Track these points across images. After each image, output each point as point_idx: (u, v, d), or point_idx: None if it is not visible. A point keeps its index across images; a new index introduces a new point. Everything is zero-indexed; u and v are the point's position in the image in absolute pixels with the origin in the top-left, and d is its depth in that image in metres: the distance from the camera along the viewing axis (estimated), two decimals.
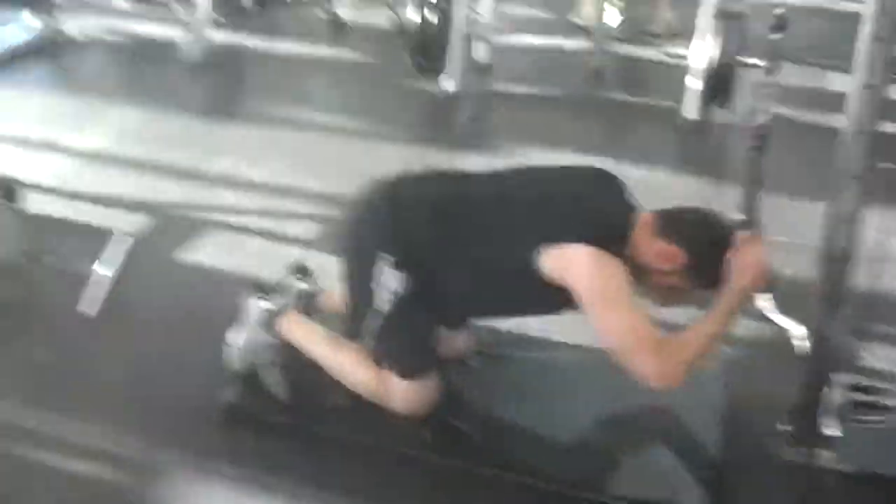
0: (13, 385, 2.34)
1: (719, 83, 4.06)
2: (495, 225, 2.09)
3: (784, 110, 2.83)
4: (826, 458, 2.11)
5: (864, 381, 2.18)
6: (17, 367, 2.43)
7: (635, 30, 5.28)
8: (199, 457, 2.12)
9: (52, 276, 2.78)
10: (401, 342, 2.17)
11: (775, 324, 2.60)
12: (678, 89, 4.16)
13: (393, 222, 2.17)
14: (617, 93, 4.61)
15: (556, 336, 2.57)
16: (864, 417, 2.06)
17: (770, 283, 2.03)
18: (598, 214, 2.06)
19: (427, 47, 4.49)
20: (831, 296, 1.99)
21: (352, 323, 2.23)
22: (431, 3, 4.42)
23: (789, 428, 2.14)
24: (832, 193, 1.96)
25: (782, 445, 2.15)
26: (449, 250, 2.10)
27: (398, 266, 2.08)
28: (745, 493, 2.08)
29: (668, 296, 2.11)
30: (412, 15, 4.46)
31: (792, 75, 4.23)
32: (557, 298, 2.00)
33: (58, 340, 2.55)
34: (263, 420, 2.23)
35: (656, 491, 2.05)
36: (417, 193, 2.20)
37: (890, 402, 2.11)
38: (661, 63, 4.63)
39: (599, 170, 2.22)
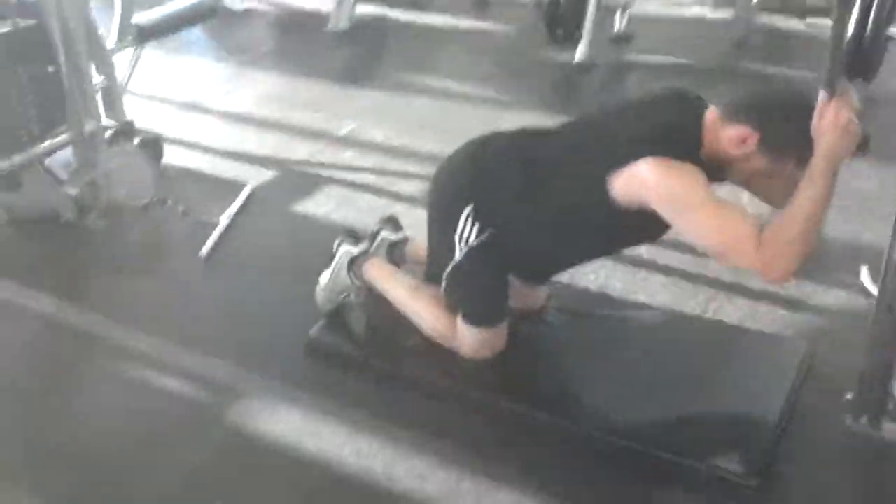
0: (131, 312, 2.61)
1: (861, 56, 3.87)
2: (571, 167, 2.10)
3: None
4: (889, 429, 2.02)
5: None
6: (135, 298, 2.70)
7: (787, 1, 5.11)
8: (281, 384, 2.28)
9: (178, 219, 3.04)
10: (472, 290, 2.24)
11: (872, 295, 2.49)
12: (821, 61, 3.98)
13: (473, 174, 2.24)
14: (757, 64, 4.46)
15: (638, 296, 2.60)
16: None
17: (862, 143, 1.84)
18: (664, 126, 2.00)
19: (564, 18, 4.54)
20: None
21: (431, 270, 2.33)
22: None
23: (853, 397, 2.06)
24: None
25: (847, 414, 2.08)
26: (527, 199, 2.13)
27: (476, 216, 2.15)
28: (802, 461, 2.02)
29: (767, 192, 2.03)
30: None
31: None
32: (643, 222, 1.97)
33: (174, 277, 2.82)
34: (341, 355, 2.38)
35: (714, 453, 2.02)
36: (499, 147, 2.26)
37: None
38: (806, 34, 4.44)
39: (674, 89, 2.15)
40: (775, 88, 1.99)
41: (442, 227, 2.24)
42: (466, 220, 2.16)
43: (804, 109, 1.84)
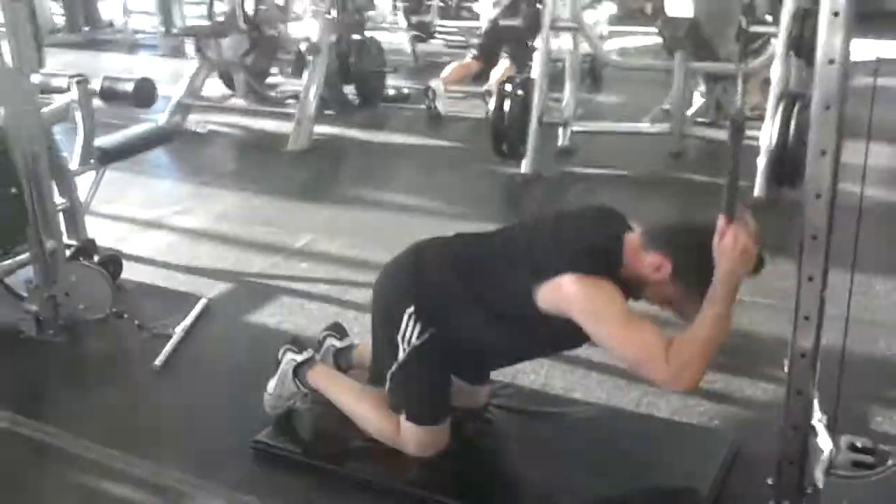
0: (86, 423, 2.67)
1: (787, 164, 4.12)
2: (499, 270, 2.26)
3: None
4: None
5: (866, 443, 2.18)
6: (91, 409, 2.77)
7: (721, 113, 5.44)
8: (228, 488, 2.35)
9: (134, 332, 3.14)
10: (415, 389, 2.35)
11: None
12: (749, 168, 4.25)
13: (413, 276, 2.38)
14: (691, 173, 4.72)
15: (576, 393, 2.72)
16: (847, 473, 2.07)
17: (757, 264, 2.06)
18: (587, 244, 2.17)
19: (507, 134, 4.79)
20: (804, 351, 2.06)
21: (375, 370, 2.44)
22: (513, 94, 4.74)
23: (773, 482, 2.18)
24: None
25: (770, 500, 2.18)
26: (462, 299, 2.27)
27: (418, 316, 2.28)
28: None
29: (679, 310, 2.18)
30: (493, 105, 4.78)
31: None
32: (566, 330, 2.11)
33: (129, 387, 2.91)
34: (290, 458, 2.45)
35: None
36: (435, 251, 2.42)
37: (885, 460, 2.11)
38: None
39: (599, 207, 2.35)
40: (690, 222, 2.20)
41: (385, 329, 2.36)
42: (408, 320, 2.28)
43: (707, 239, 2.01)
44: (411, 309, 2.28)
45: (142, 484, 2.40)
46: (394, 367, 2.33)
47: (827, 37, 1.88)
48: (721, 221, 2.01)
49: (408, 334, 2.29)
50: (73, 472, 2.49)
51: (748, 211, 2.09)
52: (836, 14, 1.87)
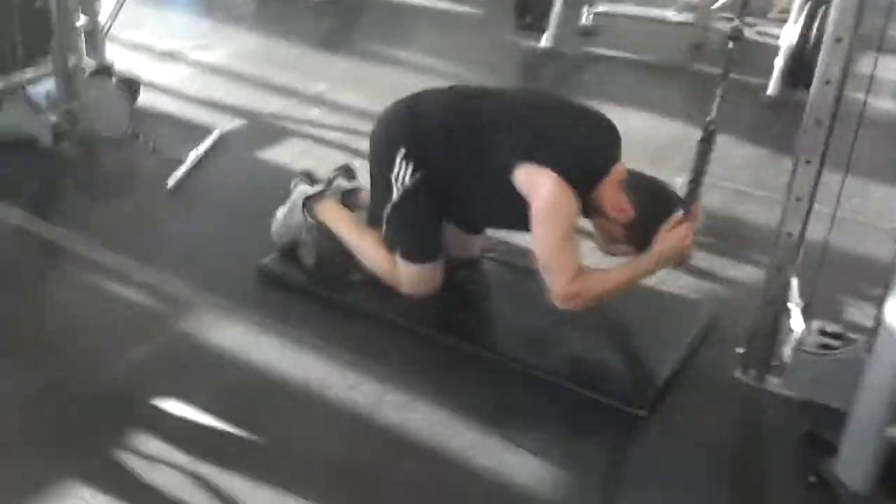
0: (96, 230, 2.79)
1: (805, 65, 4.12)
2: (490, 131, 2.35)
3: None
4: (772, 382, 2.28)
5: (835, 329, 2.30)
6: (102, 218, 2.90)
7: (746, 9, 5.37)
8: (230, 302, 2.49)
9: (148, 154, 3.23)
10: (408, 227, 2.46)
11: None
12: (767, 66, 4.27)
13: (408, 120, 2.47)
14: (710, 66, 4.71)
15: None
16: (812, 350, 2.20)
17: (684, 262, 2.33)
18: (583, 153, 2.30)
19: (532, 6, 4.75)
20: (790, 230, 2.15)
21: (372, 212, 2.55)
22: None
23: (743, 352, 2.31)
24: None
25: (738, 368, 2.32)
26: (451, 148, 2.38)
27: (409, 157, 2.38)
28: (690, 402, 2.26)
29: (608, 242, 2.38)
30: None
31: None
32: (519, 213, 2.26)
33: (140, 203, 3.03)
34: (291, 283, 2.59)
35: (612, 387, 2.27)
36: (434, 99, 2.50)
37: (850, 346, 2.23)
38: (757, 41, 4.71)
39: (605, 119, 2.43)
40: (665, 189, 2.34)
41: (380, 170, 2.47)
42: (400, 161, 2.39)
43: (666, 217, 2.23)
44: (403, 151, 2.38)
45: (148, 289, 2.55)
46: (388, 207, 2.44)
47: None
48: (678, 211, 2.22)
49: (401, 175, 2.39)
50: (81, 271, 2.63)
51: (701, 208, 2.31)
52: None
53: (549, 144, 2.28)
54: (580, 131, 2.38)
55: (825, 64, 2.04)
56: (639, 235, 2.27)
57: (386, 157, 2.42)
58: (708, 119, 2.22)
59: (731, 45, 2.22)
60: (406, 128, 2.44)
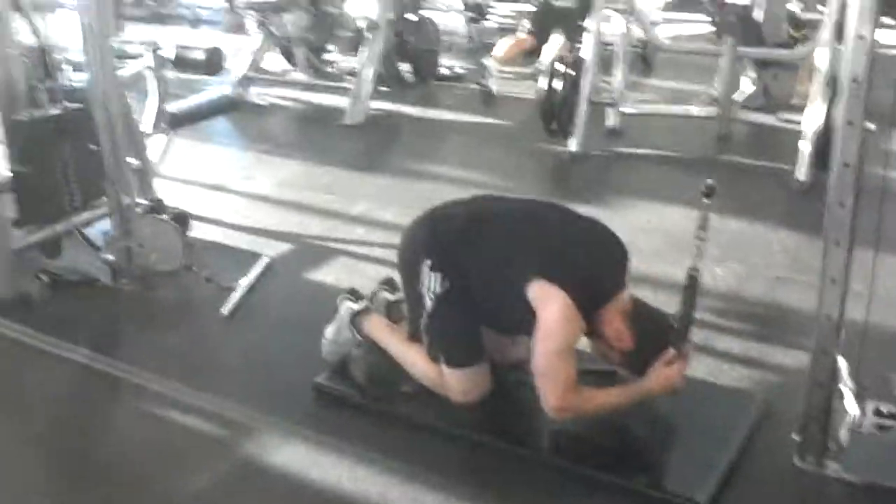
0: (156, 361, 2.89)
1: (829, 147, 4.19)
2: (511, 245, 2.46)
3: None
4: (832, 468, 2.27)
5: (891, 409, 2.30)
6: (161, 349, 3.00)
7: (770, 100, 5.52)
8: (288, 422, 2.56)
9: (202, 284, 3.36)
10: (445, 336, 2.53)
11: None
12: (792, 152, 4.37)
13: (429, 232, 2.58)
14: (737, 155, 4.82)
15: None
16: (869, 431, 2.20)
17: (674, 393, 2.41)
18: (593, 277, 2.40)
19: (557, 113, 4.92)
20: (829, 312, 2.19)
21: (412, 327, 2.63)
22: (563, 74, 4.87)
23: (799, 438, 2.31)
24: None
25: (795, 455, 2.32)
26: (474, 257, 2.48)
27: (436, 267, 2.47)
28: (752, 493, 2.26)
29: (604, 359, 2.49)
30: (544, 84, 4.91)
31: None
32: (526, 323, 2.35)
33: (197, 332, 3.15)
34: (344, 399, 2.66)
35: (670, 481, 2.29)
36: (456, 210, 2.62)
37: None
38: (780, 129, 4.81)
39: (620, 244, 2.52)
40: (666, 323, 2.42)
41: (411, 284, 2.57)
42: (428, 272, 2.48)
43: (662, 350, 2.35)
44: (429, 262, 2.48)
45: (209, 416, 2.63)
46: (425, 319, 2.52)
47: (858, 12, 2.01)
48: (670, 351, 2.34)
49: (431, 285, 2.48)
50: (144, 402, 2.72)
51: (691, 346, 2.44)
52: None
53: (562, 264, 2.39)
54: (592, 254, 2.48)
55: (840, 147, 2.11)
56: (634, 363, 2.40)
57: (413, 270, 2.52)
58: (690, 266, 2.32)
59: (705, 200, 2.30)
60: (428, 239, 2.55)
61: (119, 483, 2.37)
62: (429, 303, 2.49)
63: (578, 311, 2.31)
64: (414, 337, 2.62)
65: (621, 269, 2.48)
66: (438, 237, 2.54)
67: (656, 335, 2.39)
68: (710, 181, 2.29)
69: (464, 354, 2.52)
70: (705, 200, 2.32)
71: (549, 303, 2.31)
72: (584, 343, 2.46)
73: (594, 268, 2.44)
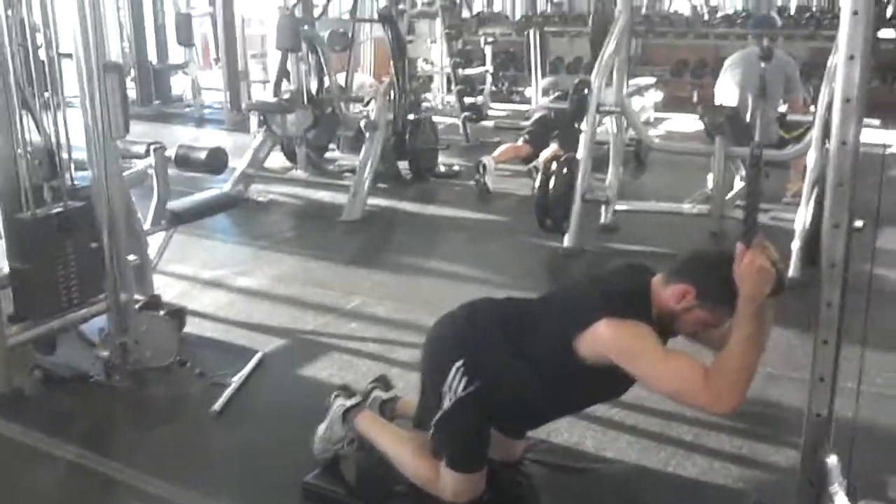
0: (148, 459, 2.88)
1: (818, 245, 4.25)
2: (542, 326, 2.44)
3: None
4: None
5: None
6: (153, 447, 3.00)
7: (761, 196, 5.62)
8: None
9: (195, 380, 3.37)
10: (456, 437, 2.50)
11: None
12: (783, 248, 4.42)
13: (464, 330, 2.55)
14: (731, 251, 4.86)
15: (607, 452, 2.86)
16: None
17: (777, 285, 2.18)
18: (618, 293, 2.35)
19: (552, 210, 5.00)
20: (818, 410, 2.20)
21: (421, 417, 2.61)
22: (558, 172, 4.97)
23: None
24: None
25: None
26: (508, 357, 2.43)
27: (466, 370, 2.43)
28: None
29: (711, 338, 2.35)
30: (539, 181, 5.01)
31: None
32: (610, 378, 2.28)
33: (189, 429, 3.14)
34: (335, 498, 2.63)
35: None
36: (485, 308, 2.61)
37: None
38: (771, 225, 4.88)
39: (627, 262, 2.56)
40: (706, 251, 2.34)
41: (433, 378, 2.53)
42: (456, 372, 2.44)
43: (726, 262, 2.19)
44: (460, 362, 2.44)
45: None
46: (438, 415, 2.48)
47: (840, 120, 2.08)
48: (739, 247, 2.18)
49: (454, 385, 2.44)
50: (134, 501, 2.69)
51: (765, 239, 2.23)
52: (848, 100, 2.07)
53: (590, 306, 2.33)
54: (607, 281, 2.52)
55: (827, 248, 2.16)
56: (719, 298, 2.22)
57: (441, 366, 2.48)
58: (752, 145, 2.21)
59: (749, 163, 2.30)
60: (464, 339, 2.52)
61: None
62: (447, 402, 2.45)
63: (630, 320, 2.23)
64: (418, 427, 2.59)
65: (642, 271, 2.46)
66: (474, 339, 2.50)
67: (704, 260, 2.33)
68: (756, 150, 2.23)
69: (470, 460, 2.49)
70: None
71: (602, 339, 2.23)
72: None
73: (616, 285, 2.41)
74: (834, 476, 2.27)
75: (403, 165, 6.56)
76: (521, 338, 2.45)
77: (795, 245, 4.40)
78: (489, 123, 8.50)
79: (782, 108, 5.72)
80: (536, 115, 7.25)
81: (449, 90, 8.96)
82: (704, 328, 2.35)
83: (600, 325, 2.25)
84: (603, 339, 2.25)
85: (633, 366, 2.24)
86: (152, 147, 3.94)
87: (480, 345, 2.49)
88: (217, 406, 3.17)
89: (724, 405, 2.18)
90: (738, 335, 2.16)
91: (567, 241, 4.90)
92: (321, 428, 2.76)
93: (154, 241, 4.02)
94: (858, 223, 2.33)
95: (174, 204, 4.09)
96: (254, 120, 7.61)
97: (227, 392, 3.26)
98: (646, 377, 2.25)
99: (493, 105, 9.08)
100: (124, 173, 3.60)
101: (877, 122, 3.31)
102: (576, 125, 6.12)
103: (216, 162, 4.10)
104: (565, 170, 5.00)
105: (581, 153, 5.08)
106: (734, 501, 2.58)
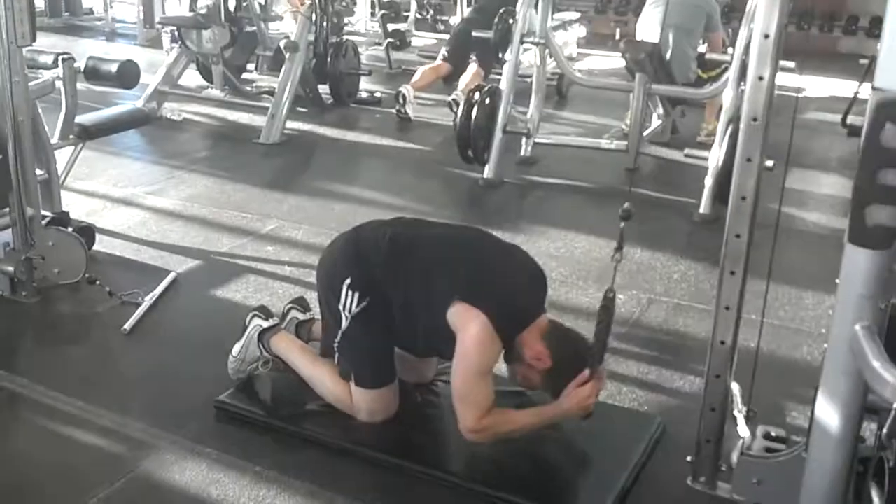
0: (57, 377, 2.82)
1: (730, 182, 4.37)
2: (430, 266, 2.48)
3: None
4: (723, 489, 2.35)
5: (779, 432, 2.40)
6: (62, 364, 2.94)
7: (677, 135, 5.73)
8: (190, 441, 2.51)
9: (105, 298, 3.30)
10: (359, 354, 2.54)
11: None
12: (695, 186, 4.53)
13: (352, 250, 2.58)
14: (644, 189, 4.96)
15: None
16: (756, 454, 2.29)
17: (586, 415, 2.45)
18: (514, 302, 2.43)
19: (473, 141, 4.99)
20: (723, 338, 2.28)
21: (325, 342, 2.63)
22: (480, 103, 4.95)
23: (693, 460, 2.39)
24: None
25: (689, 475, 2.40)
26: (395, 278, 2.49)
27: (354, 286, 2.48)
28: None
29: (523, 382, 2.51)
30: (461, 112, 4.99)
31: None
32: (446, 342, 2.38)
33: (98, 347, 3.09)
34: (248, 417, 2.63)
35: (566, 500, 2.34)
36: (375, 229, 2.63)
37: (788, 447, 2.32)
38: (685, 164, 4.99)
39: (537, 267, 2.59)
40: (583, 345, 2.46)
41: (328, 300, 2.57)
42: (346, 290, 2.49)
43: (578, 371, 2.38)
44: (348, 280, 2.49)
45: (108, 433, 2.57)
46: (339, 336, 2.53)
47: (758, 55, 2.12)
48: (585, 372, 2.38)
49: (348, 303, 2.49)
50: (42, 419, 2.64)
51: (604, 371, 2.52)
52: (766, 36, 2.11)
53: (484, 288, 2.41)
54: (514, 279, 2.52)
55: (738, 182, 2.22)
56: (552, 384, 2.43)
57: (333, 287, 2.52)
58: (607, 289, 2.36)
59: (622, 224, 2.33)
60: (350, 258, 2.56)
61: (12, 500, 2.29)
62: (344, 322, 2.49)
63: (498, 335, 2.34)
64: (325, 353, 2.62)
65: (541, 294, 2.54)
66: (361, 256, 2.54)
67: (574, 355, 2.42)
68: (627, 205, 2.31)
69: (375, 375, 2.54)
70: (622, 224, 2.32)
71: (468, 325, 2.33)
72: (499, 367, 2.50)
73: (516, 293, 2.47)
74: (735, 402, 2.38)
75: (324, 89, 6.43)
76: (406, 265, 2.50)
77: (708, 182, 4.51)
78: (412, 51, 8.38)
79: (702, 49, 5.79)
80: (456, 30, 7.12)
81: (373, 15, 8.78)
82: (524, 381, 2.51)
83: (478, 319, 2.33)
84: (469, 325, 2.34)
85: (461, 361, 2.37)
86: (60, 58, 3.77)
87: (366, 262, 2.53)
88: (128, 325, 3.11)
89: (476, 437, 2.40)
90: (531, 418, 2.45)
91: (487, 172, 4.92)
92: (236, 348, 2.74)
93: (62, 157, 3.89)
94: (769, 163, 2.38)
95: (83, 118, 3.94)
96: (167, 37, 7.36)
97: (139, 312, 3.20)
98: (458, 373, 2.39)
99: (417, 33, 8.94)
100: (31, 84, 3.44)
101: (791, 65, 3.36)
102: (498, 52, 6.11)
103: (128, 75, 3.95)
104: (487, 100, 4.98)
105: (504, 84, 5.06)
106: (640, 423, 2.67)
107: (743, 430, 2.34)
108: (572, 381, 2.38)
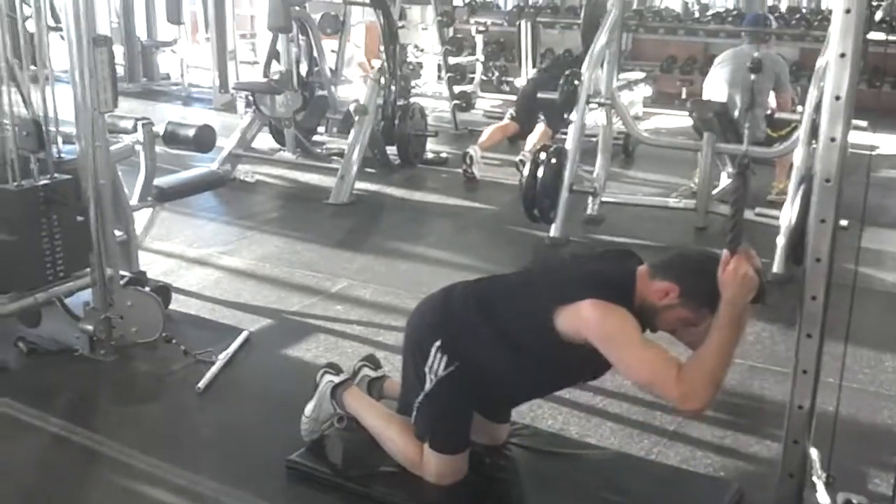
0: (131, 434, 2.88)
1: (803, 242, 4.29)
2: (521, 301, 2.46)
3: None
4: None
5: (860, 499, 2.32)
6: (137, 422, 3.00)
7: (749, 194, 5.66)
8: (262, 499, 2.54)
9: (180, 357, 3.36)
10: (437, 419, 2.53)
11: None
12: (766, 245, 4.46)
13: (441, 312, 2.58)
14: (713, 246, 4.89)
15: (590, 439, 2.89)
16: None
17: (759, 293, 2.23)
18: (604, 276, 2.39)
19: (539, 200, 5.01)
20: (801, 402, 2.23)
21: (403, 400, 2.63)
22: (546, 162, 4.99)
23: None
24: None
25: None
26: (486, 334, 2.45)
27: (444, 349, 2.46)
28: None
29: (689, 336, 2.39)
30: (527, 171, 5.03)
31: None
32: (586, 359, 2.30)
33: (173, 405, 3.14)
34: (320, 478, 2.63)
35: None
36: (464, 290, 2.62)
37: None
38: (756, 223, 4.91)
39: (618, 249, 2.57)
40: (693, 250, 2.36)
41: (414, 360, 2.56)
42: (436, 353, 2.47)
43: (711, 266, 2.23)
44: (438, 342, 2.47)
45: (180, 491, 2.60)
46: (420, 397, 2.51)
47: (829, 116, 2.10)
48: (725, 253, 2.22)
49: (435, 366, 2.47)
50: (117, 476, 2.69)
51: (751, 248, 2.29)
52: (837, 98, 2.09)
53: (572, 287, 2.35)
54: (598, 263, 2.54)
55: (813, 243, 2.18)
56: (702, 299, 2.26)
57: (422, 347, 2.51)
58: (741, 153, 2.25)
59: (737, 171, 2.31)
60: (441, 320, 2.54)
61: None
62: (429, 383, 2.47)
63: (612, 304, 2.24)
64: (402, 411, 2.61)
65: (629, 258, 2.48)
66: (451, 319, 2.53)
67: (692, 261, 2.36)
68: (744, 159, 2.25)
69: (452, 441, 2.52)
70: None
71: (582, 318, 2.25)
72: None
73: (603, 270, 2.44)
74: (814, 468, 2.31)
75: (392, 151, 6.55)
76: (498, 315, 2.47)
77: (780, 242, 4.44)
78: (478, 112, 8.49)
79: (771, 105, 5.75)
80: (524, 91, 7.19)
81: (439, 78, 8.94)
82: (683, 326, 2.38)
83: (585, 304, 2.27)
84: (585, 318, 2.26)
85: (610, 350, 2.26)
86: (140, 122, 3.92)
87: (457, 324, 2.51)
88: (202, 384, 3.16)
89: (693, 402, 2.21)
90: (715, 337, 2.21)
91: (553, 231, 4.92)
92: (309, 407, 2.76)
93: (140, 218, 4.02)
94: (844, 222, 2.34)
95: (161, 180, 4.07)
96: (241, 101, 7.59)
97: (213, 370, 3.25)
98: (621, 363, 2.28)
99: (482, 94, 9.06)
100: (112, 147, 3.57)
101: (864, 123, 3.32)
102: (564, 113, 6.15)
103: (204, 140, 4.08)
104: (553, 160, 5.01)
105: (570, 144, 5.09)
106: (715, 491, 2.61)
107: (823, 497, 2.26)
108: (718, 273, 2.18)
